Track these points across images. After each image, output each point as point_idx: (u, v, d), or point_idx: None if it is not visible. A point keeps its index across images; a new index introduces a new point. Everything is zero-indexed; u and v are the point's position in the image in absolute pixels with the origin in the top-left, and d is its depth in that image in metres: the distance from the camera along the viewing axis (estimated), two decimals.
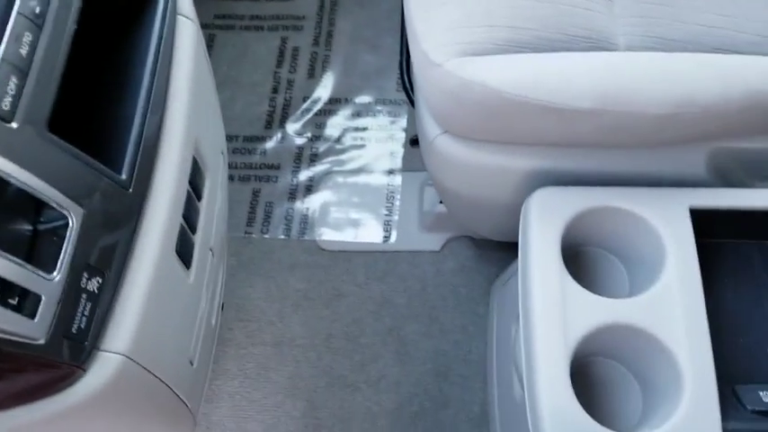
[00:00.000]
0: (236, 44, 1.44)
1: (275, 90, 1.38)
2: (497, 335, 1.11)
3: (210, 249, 0.76)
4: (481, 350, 1.14)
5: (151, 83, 0.61)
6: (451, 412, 1.09)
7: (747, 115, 0.83)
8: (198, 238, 0.70)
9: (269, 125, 1.35)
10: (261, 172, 1.31)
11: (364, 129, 1.33)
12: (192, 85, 0.68)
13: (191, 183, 0.68)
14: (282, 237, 1.24)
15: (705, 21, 0.88)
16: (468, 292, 1.18)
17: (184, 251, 0.65)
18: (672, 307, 0.79)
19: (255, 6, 1.48)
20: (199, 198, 0.71)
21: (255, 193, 1.29)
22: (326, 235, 1.24)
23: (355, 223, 1.25)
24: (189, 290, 0.68)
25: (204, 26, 1.46)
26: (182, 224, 0.65)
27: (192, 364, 0.72)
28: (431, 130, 0.95)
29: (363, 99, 1.36)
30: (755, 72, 0.83)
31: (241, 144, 1.33)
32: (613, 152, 0.89)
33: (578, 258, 0.92)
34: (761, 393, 0.78)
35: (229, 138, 1.34)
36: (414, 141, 1.28)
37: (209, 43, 1.45)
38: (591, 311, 0.79)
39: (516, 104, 0.81)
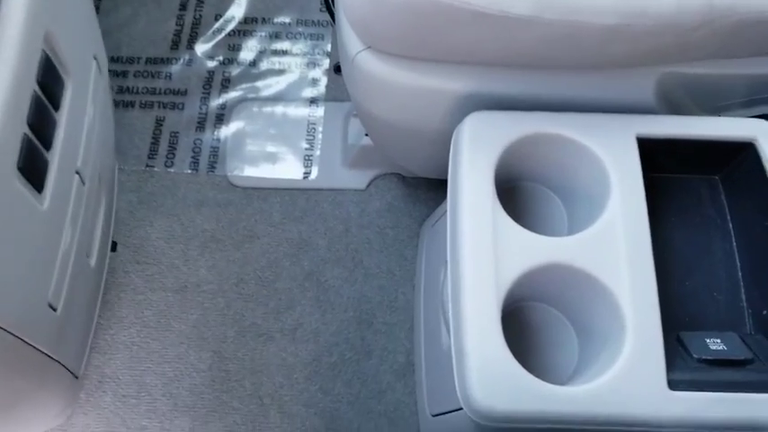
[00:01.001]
0: None
1: (183, 6, 1.23)
2: (425, 279, 1.02)
3: (78, 173, 0.63)
4: (408, 296, 1.05)
5: None
6: (374, 362, 1.00)
7: (703, 33, 0.75)
8: (55, 157, 0.57)
9: (175, 46, 1.20)
10: (165, 98, 1.16)
11: (283, 52, 1.20)
12: None
13: (41, 85, 0.54)
14: (189, 171, 1.11)
15: None
16: (396, 234, 1.08)
17: (32, 169, 0.52)
18: (615, 246, 0.71)
19: None
20: (56, 107, 0.57)
21: (159, 122, 1.14)
22: (239, 170, 1.11)
23: (272, 158, 1.12)
24: (41, 218, 0.55)
25: None
26: (26, 134, 0.51)
27: (53, 310, 0.60)
28: (352, 45, 0.83)
29: (283, 19, 1.22)
30: None
31: (143, 66, 1.18)
32: (555, 74, 0.80)
33: (514, 194, 0.83)
34: (707, 341, 0.72)
35: (130, 59, 1.19)
36: (338, 68, 1.16)
37: None
38: (525, 251, 0.71)
39: (443, 9, 0.69)
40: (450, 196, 0.76)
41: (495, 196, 0.73)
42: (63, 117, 0.59)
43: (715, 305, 0.78)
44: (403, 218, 1.10)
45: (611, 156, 0.75)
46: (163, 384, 0.98)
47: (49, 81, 0.55)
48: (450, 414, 0.81)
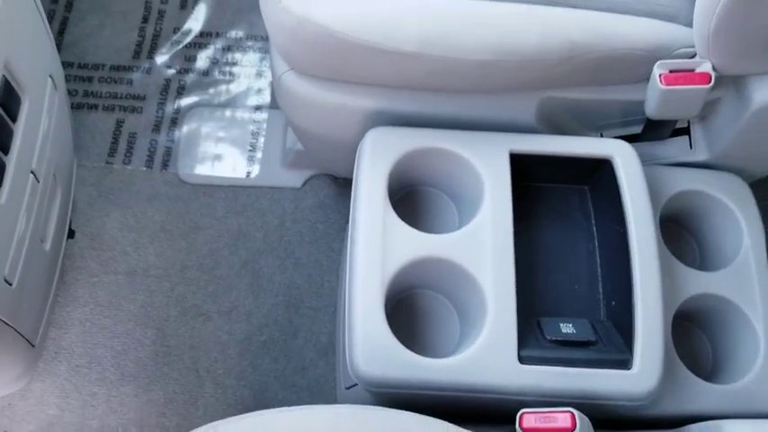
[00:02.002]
0: None
1: (145, 20, 1.36)
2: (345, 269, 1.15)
3: (33, 173, 0.76)
4: (333, 284, 1.19)
5: None
6: (300, 342, 1.14)
7: (568, 67, 0.89)
8: (12, 160, 0.70)
9: (137, 55, 1.33)
10: (126, 102, 1.29)
11: (234, 63, 1.33)
12: (1, 7, 0.67)
13: (1, 103, 0.67)
14: (144, 168, 1.24)
15: None
16: (325, 229, 1.22)
17: None
18: (483, 243, 0.85)
19: None
20: (13, 119, 0.71)
21: (119, 124, 1.27)
22: (189, 168, 1.25)
23: (219, 158, 1.26)
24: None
25: None
26: None
27: (9, 284, 0.73)
28: (279, 66, 0.97)
29: (234, 34, 1.36)
30: (576, 25, 0.88)
31: (107, 73, 1.31)
32: (445, 96, 0.93)
33: (416, 197, 0.97)
34: (561, 325, 0.85)
35: (95, 66, 1.32)
36: None
37: None
38: (408, 245, 0.85)
39: (347, 44, 0.83)
40: (352, 198, 0.89)
41: (387, 199, 0.86)
42: (20, 127, 0.72)
43: (576, 296, 0.91)
44: (333, 214, 1.23)
45: (486, 167, 0.88)
46: (112, 357, 1.11)
47: (8, 99, 0.69)
48: (355, 386, 0.95)
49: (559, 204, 0.97)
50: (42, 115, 0.78)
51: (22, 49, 0.73)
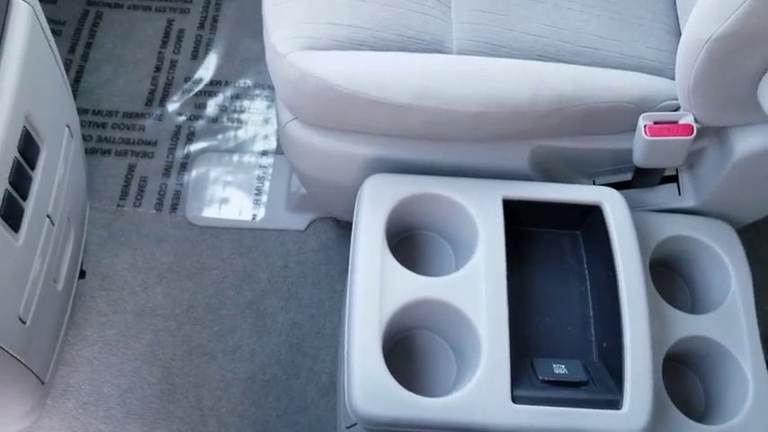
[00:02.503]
0: (123, 23, 1.47)
1: (158, 69, 1.42)
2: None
3: (48, 216, 0.81)
4: (335, 324, 1.22)
5: None
6: (302, 381, 1.17)
7: (557, 118, 0.93)
8: (30, 205, 0.75)
9: (149, 103, 1.39)
10: (138, 147, 1.34)
11: (242, 111, 1.39)
12: (23, 64, 0.72)
13: (21, 152, 0.72)
14: (154, 211, 1.29)
15: (533, 30, 0.97)
16: (328, 270, 1.26)
17: (11, 215, 0.70)
18: (478, 286, 0.88)
19: None
20: (32, 167, 0.75)
21: (131, 168, 1.33)
22: (197, 211, 1.29)
23: (226, 201, 1.31)
24: (16, 252, 0.72)
25: (92, 3, 1.49)
26: (7, 190, 0.69)
27: (23, 322, 0.77)
28: (283, 116, 1.02)
29: (243, 83, 1.42)
30: (564, 79, 0.92)
31: (120, 120, 1.37)
32: (441, 144, 0.98)
33: (414, 240, 1.00)
34: (554, 366, 0.88)
35: (109, 113, 1.37)
36: None
37: (96, 20, 1.47)
38: (405, 288, 0.88)
39: (348, 97, 0.88)
40: (352, 242, 0.93)
41: (385, 243, 0.90)
42: (38, 175, 0.77)
43: (569, 337, 0.94)
44: (335, 256, 1.27)
45: (480, 213, 0.92)
46: (118, 395, 1.14)
47: (28, 149, 0.74)
48: (355, 426, 0.97)
49: (552, 248, 1.00)
50: (59, 162, 0.82)
51: (42, 102, 0.78)
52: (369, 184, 0.94)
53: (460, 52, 0.94)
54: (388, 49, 0.92)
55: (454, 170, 0.98)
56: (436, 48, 0.94)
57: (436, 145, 0.99)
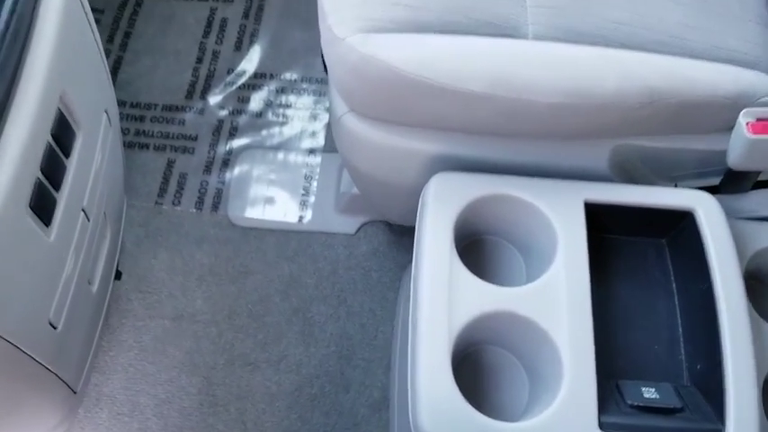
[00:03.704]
0: (164, 12, 1.40)
1: (199, 60, 1.35)
2: (402, 321, 1.10)
3: (83, 210, 0.73)
4: (387, 335, 1.13)
5: (7, 25, 0.58)
6: (352, 396, 1.08)
7: (645, 113, 0.84)
8: (63, 196, 0.67)
9: (190, 95, 1.31)
10: (177, 142, 1.27)
11: (288, 106, 1.31)
12: (59, 36, 0.64)
13: (55, 137, 0.65)
14: (194, 210, 1.21)
15: (615, 17, 0.88)
16: (380, 277, 1.17)
17: (42, 207, 0.63)
18: (557, 298, 0.79)
19: None
20: (67, 155, 0.68)
21: (170, 164, 1.25)
22: (240, 211, 1.22)
23: (270, 201, 1.23)
24: (47, 248, 0.65)
25: None
26: (38, 178, 0.62)
27: (54, 328, 0.70)
28: (338, 107, 0.94)
29: (289, 76, 1.34)
30: (656, 71, 0.84)
31: (159, 113, 1.30)
32: (514, 141, 0.89)
33: (479, 247, 0.92)
34: (642, 389, 0.79)
35: (147, 106, 1.31)
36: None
37: (136, 9, 1.40)
38: (477, 298, 0.79)
39: (412, 83, 0.80)
40: (415, 247, 0.84)
41: (453, 248, 0.81)
42: (72, 163, 0.69)
43: (656, 357, 0.85)
44: (387, 262, 1.18)
45: (560, 218, 0.83)
46: (155, 405, 1.06)
47: (62, 133, 0.66)
48: None
49: (634, 258, 0.91)
50: (96, 151, 0.75)
51: (78, 82, 0.70)
52: (435, 183, 0.85)
53: (536, 38, 0.85)
54: (455, 33, 0.83)
55: (524, 170, 0.90)
56: (509, 33, 0.85)
57: (506, 142, 0.90)
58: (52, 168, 0.64)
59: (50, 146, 0.63)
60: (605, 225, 0.88)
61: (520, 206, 0.85)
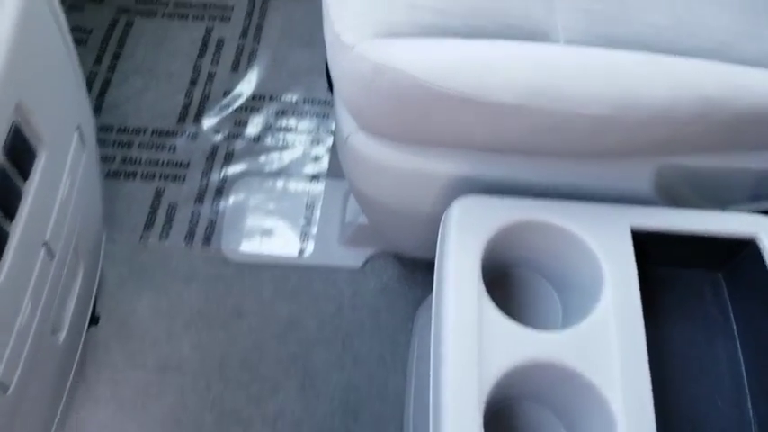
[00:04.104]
0: (157, 32, 1.30)
1: (193, 82, 1.24)
2: (417, 368, 0.97)
3: (46, 245, 0.61)
4: (399, 385, 1.00)
5: None
6: None
7: (698, 127, 0.73)
8: (17, 228, 0.55)
9: (182, 119, 1.21)
10: (168, 170, 1.16)
11: (288, 129, 1.20)
12: (14, 43, 0.53)
13: (9, 154, 0.53)
14: (183, 244, 1.09)
15: (655, 21, 0.78)
16: (390, 318, 1.05)
17: None
18: (607, 345, 0.67)
19: None
20: (24, 177, 0.56)
21: (159, 193, 1.14)
22: (234, 244, 1.10)
23: (268, 232, 1.11)
24: None
25: (123, 11, 1.33)
26: None
27: (4, 390, 0.57)
28: (346, 126, 0.83)
29: (290, 97, 1.23)
30: (710, 79, 0.73)
31: (149, 138, 1.19)
32: (546, 160, 0.77)
33: (507, 281, 0.80)
34: None
35: (136, 131, 1.20)
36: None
37: (127, 29, 1.30)
38: (512, 346, 0.67)
39: (432, 94, 0.68)
40: (435, 284, 0.72)
41: (482, 286, 0.69)
42: (32, 188, 0.57)
43: (718, 414, 0.72)
44: (398, 300, 1.06)
45: (604, 248, 0.71)
46: None
47: (18, 151, 0.55)
48: None
49: (687, 294, 0.79)
50: (63, 175, 0.63)
51: (42, 94, 0.59)
52: (458, 208, 0.74)
53: (569, 43, 0.75)
54: (481, 38, 0.72)
55: (557, 192, 0.78)
56: (540, 38, 0.75)
57: (538, 161, 0.78)
58: (5, 193, 0.52)
59: (1, 166, 0.51)
60: (651, 255, 0.76)
61: (557, 235, 0.73)
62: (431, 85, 0.68)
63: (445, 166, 0.78)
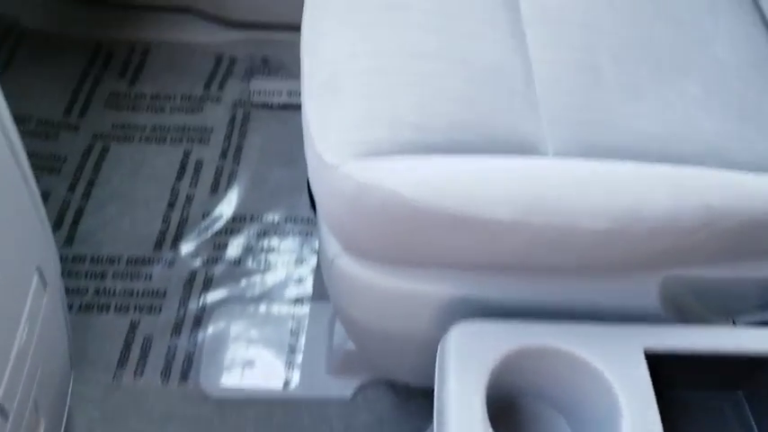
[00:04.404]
0: (134, 157, 1.28)
1: (171, 206, 1.21)
2: None
3: None
4: None
5: None
6: None
7: (701, 237, 0.69)
8: None
9: (159, 246, 1.16)
10: (143, 300, 1.10)
11: (270, 250, 1.16)
12: None
13: None
14: (159, 381, 1.02)
15: (644, 127, 0.76)
16: None
17: None
18: None
19: (159, 117, 1.33)
20: None
21: (133, 326, 1.07)
22: (214, 378, 1.02)
23: (250, 363, 1.04)
24: None
25: (99, 137, 1.31)
26: None
27: None
28: (330, 248, 0.78)
29: (271, 217, 1.20)
30: (711, 185, 0.70)
31: (123, 267, 1.13)
32: (547, 278, 0.73)
33: (514, 413, 0.73)
34: None
35: (110, 260, 1.14)
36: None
37: (103, 155, 1.28)
38: None
39: (423, 214, 0.65)
40: (436, 421, 0.66)
41: (487, 422, 0.63)
42: None
43: None
44: None
45: (619, 375, 0.65)
46: None
47: None
48: None
49: (707, 418, 0.73)
50: (20, 323, 0.57)
51: None
52: (456, 334, 0.68)
53: (558, 155, 0.72)
54: (467, 153, 0.70)
55: (558, 312, 0.74)
56: (528, 150, 0.72)
57: (536, 278, 0.74)
58: None
59: None
60: (666, 377, 0.70)
61: (566, 361, 0.67)
62: (420, 204, 0.65)
63: (439, 288, 0.74)
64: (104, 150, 1.29)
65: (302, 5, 0.89)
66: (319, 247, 0.86)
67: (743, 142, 0.78)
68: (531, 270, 0.72)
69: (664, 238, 0.68)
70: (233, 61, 1.43)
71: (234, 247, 1.16)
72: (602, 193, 0.66)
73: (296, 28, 0.90)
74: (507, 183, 0.65)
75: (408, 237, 0.68)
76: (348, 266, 0.76)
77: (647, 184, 0.68)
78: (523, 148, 0.72)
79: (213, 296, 1.10)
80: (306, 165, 0.77)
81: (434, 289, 0.73)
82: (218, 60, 1.43)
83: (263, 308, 1.09)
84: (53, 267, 0.67)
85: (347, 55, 0.77)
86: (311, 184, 0.77)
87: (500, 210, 0.64)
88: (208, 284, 1.12)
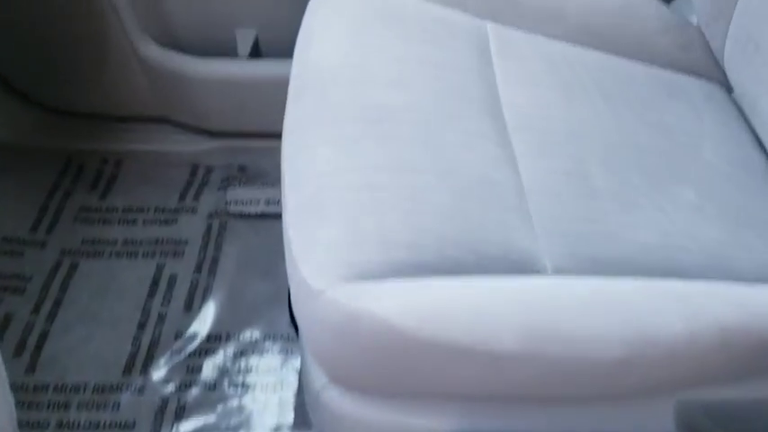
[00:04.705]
0: (103, 273, 1.21)
1: (142, 326, 1.13)
2: None
3: None
4: None
5: None
6: None
7: (720, 357, 0.65)
8: None
9: (128, 371, 1.07)
10: None
11: (248, 371, 1.08)
12: None
13: None
14: None
15: (641, 239, 0.73)
16: None
17: None
18: None
19: (131, 231, 1.28)
20: None
21: None
22: None
23: None
24: None
25: (68, 253, 1.24)
26: None
27: None
28: (316, 379, 0.72)
29: (249, 335, 1.12)
30: (719, 302, 0.66)
31: (89, 396, 1.04)
32: (554, 408, 0.67)
33: None
34: None
35: (75, 388, 1.05)
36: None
37: (71, 272, 1.21)
38: None
39: (419, 344, 0.60)
40: None
41: None
42: None
43: None
44: None
45: None
46: None
47: None
48: None
49: None
50: None
51: None
52: None
53: (557, 271, 0.68)
54: (461, 273, 0.65)
55: None
56: (525, 267, 0.68)
57: (542, 409, 0.68)
58: None
59: None
60: None
61: None
62: (415, 333, 0.59)
63: (436, 421, 0.67)
64: (72, 267, 1.22)
65: (282, 115, 0.86)
66: (302, 372, 0.79)
67: (744, 250, 0.75)
68: (536, 400, 0.66)
69: (679, 364, 0.63)
70: (209, 170, 1.39)
71: (209, 370, 1.08)
72: (613, 316, 0.61)
73: (275, 136, 0.87)
74: (510, 307, 0.60)
75: (403, 368, 0.62)
76: (336, 400, 0.69)
77: (661, 303, 0.64)
78: (521, 265, 0.68)
79: (186, 426, 1.01)
80: (286, 276, 0.71)
81: (432, 423, 0.67)
82: (194, 170, 1.39)
83: None
84: (6, 416, 0.59)
85: (331, 170, 0.74)
86: (294, 310, 0.71)
87: (504, 338, 0.59)
88: (180, 413, 1.03)
